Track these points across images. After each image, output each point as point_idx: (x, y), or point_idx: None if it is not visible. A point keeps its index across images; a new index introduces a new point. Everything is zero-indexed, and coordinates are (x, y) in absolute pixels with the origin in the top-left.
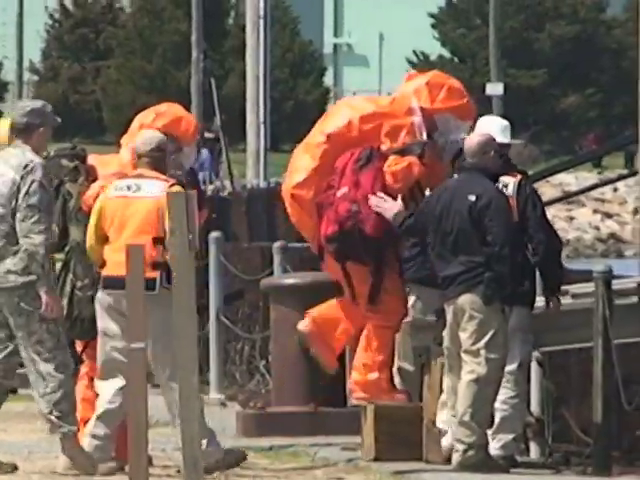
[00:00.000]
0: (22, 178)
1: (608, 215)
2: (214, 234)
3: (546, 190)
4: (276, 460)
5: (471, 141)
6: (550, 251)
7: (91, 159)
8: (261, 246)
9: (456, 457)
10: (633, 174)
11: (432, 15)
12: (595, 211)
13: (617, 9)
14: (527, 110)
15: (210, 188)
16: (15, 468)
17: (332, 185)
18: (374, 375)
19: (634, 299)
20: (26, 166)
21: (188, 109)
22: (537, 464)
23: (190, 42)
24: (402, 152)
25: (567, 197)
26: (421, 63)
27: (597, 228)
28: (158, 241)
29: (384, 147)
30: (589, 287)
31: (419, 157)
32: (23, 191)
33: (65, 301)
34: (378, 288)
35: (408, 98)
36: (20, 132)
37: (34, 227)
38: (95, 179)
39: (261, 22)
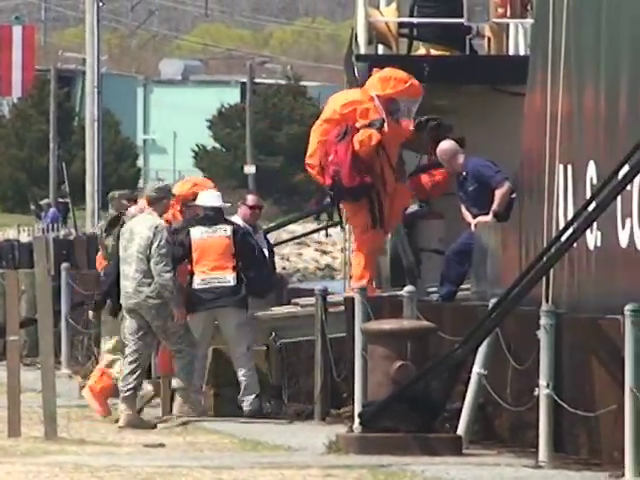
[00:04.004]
0: (154, 235)
1: (325, 252)
2: (64, 264)
3: (283, 235)
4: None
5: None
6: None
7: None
8: (95, 273)
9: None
10: (336, 224)
11: (208, 120)
12: (316, 249)
13: None
14: (272, 183)
15: (61, 233)
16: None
17: (328, 152)
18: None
19: (341, 308)
20: (156, 227)
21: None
22: (277, 417)
23: (49, 137)
24: (369, 125)
25: (295, 238)
26: (201, 152)
27: (317, 261)
28: None
29: (358, 124)
30: (312, 300)
31: (378, 129)
32: (155, 245)
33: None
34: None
35: (369, 89)
36: (151, 202)
37: (164, 268)
38: None
39: (95, 124)
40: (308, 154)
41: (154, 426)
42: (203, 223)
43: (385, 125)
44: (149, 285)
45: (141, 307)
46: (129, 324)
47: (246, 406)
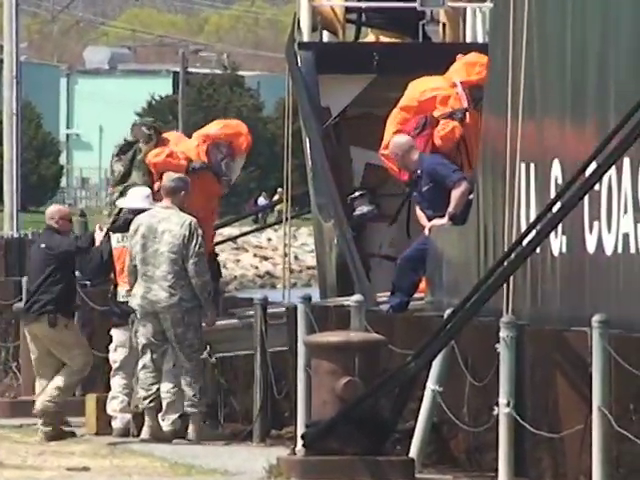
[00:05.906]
0: (191, 234)
1: (265, 258)
2: None
3: (217, 238)
4: (25, 435)
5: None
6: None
7: (169, 134)
8: (13, 280)
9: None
10: (274, 223)
11: (138, 113)
12: (255, 255)
13: (270, 110)
14: None
15: None
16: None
17: None
18: None
19: (283, 320)
20: (191, 224)
21: None
22: (211, 437)
23: None
24: (449, 116)
25: (231, 239)
26: None
27: (257, 267)
28: None
29: (436, 113)
30: (251, 310)
31: (460, 121)
32: (193, 243)
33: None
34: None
35: (452, 76)
36: (168, 193)
37: (203, 269)
38: (159, 146)
39: (14, 117)
40: (383, 144)
41: (172, 439)
42: (124, 229)
43: (467, 115)
44: (182, 287)
45: (168, 311)
46: (147, 329)
47: (167, 426)
